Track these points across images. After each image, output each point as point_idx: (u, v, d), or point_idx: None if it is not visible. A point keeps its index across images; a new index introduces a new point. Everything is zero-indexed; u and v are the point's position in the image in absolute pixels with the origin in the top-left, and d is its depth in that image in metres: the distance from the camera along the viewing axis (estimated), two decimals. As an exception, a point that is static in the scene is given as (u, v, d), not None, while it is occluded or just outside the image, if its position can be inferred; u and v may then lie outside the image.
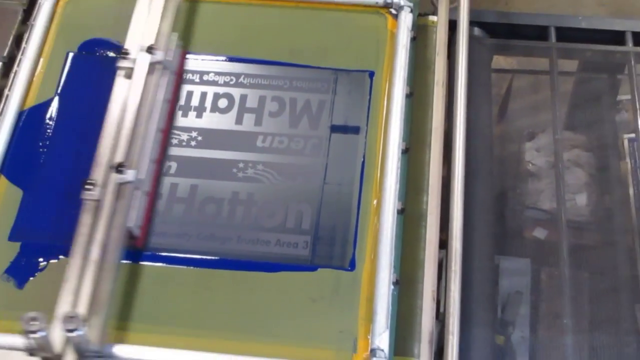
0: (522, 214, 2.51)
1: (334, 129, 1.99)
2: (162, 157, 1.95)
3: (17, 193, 1.90)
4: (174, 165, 1.91)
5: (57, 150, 1.98)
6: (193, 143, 1.95)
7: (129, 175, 1.74)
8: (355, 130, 1.97)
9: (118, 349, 1.63)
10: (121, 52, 1.93)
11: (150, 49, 1.89)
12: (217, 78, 2.07)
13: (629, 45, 2.36)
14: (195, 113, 2.00)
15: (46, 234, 1.85)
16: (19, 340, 1.59)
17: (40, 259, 1.78)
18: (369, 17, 2.16)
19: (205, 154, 1.96)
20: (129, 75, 1.87)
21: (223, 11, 2.19)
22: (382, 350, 1.67)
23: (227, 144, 1.96)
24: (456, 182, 1.89)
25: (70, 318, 1.52)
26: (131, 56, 1.89)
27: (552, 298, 2.24)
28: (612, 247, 2.43)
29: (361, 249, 1.80)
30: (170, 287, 1.78)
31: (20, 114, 1.99)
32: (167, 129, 1.95)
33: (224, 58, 2.11)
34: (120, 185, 1.74)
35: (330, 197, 1.88)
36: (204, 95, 2.02)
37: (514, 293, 2.23)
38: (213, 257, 1.80)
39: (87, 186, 1.70)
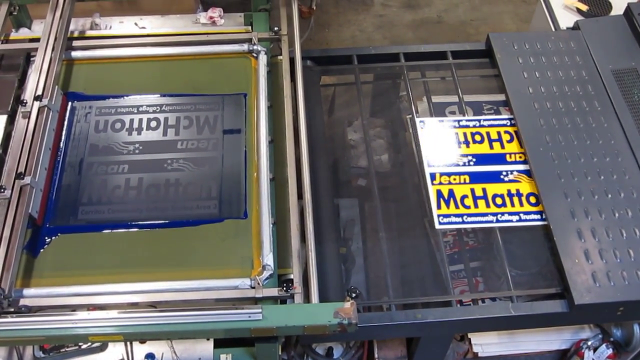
0: (349, 171, 2.82)
1: (225, 132, 2.48)
2: (52, 164, 2.30)
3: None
4: (126, 166, 2.38)
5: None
6: (137, 151, 2.46)
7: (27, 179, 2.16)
8: (239, 131, 2.48)
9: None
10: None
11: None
12: (148, 108, 2.58)
13: (402, 62, 2.91)
14: (136, 132, 2.51)
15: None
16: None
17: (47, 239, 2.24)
18: (240, 60, 2.67)
19: (146, 157, 2.43)
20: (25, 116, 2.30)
21: (150, 65, 2.70)
22: (269, 265, 2.12)
23: (158, 149, 2.43)
24: (304, 157, 2.33)
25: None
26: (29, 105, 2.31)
27: (372, 221, 2.57)
28: (405, 185, 2.80)
29: (250, 205, 2.27)
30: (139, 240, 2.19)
31: None
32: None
33: (151, 95, 2.57)
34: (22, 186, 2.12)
35: (227, 175, 2.33)
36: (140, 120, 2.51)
37: (349, 220, 2.66)
38: (161, 221, 2.25)
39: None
